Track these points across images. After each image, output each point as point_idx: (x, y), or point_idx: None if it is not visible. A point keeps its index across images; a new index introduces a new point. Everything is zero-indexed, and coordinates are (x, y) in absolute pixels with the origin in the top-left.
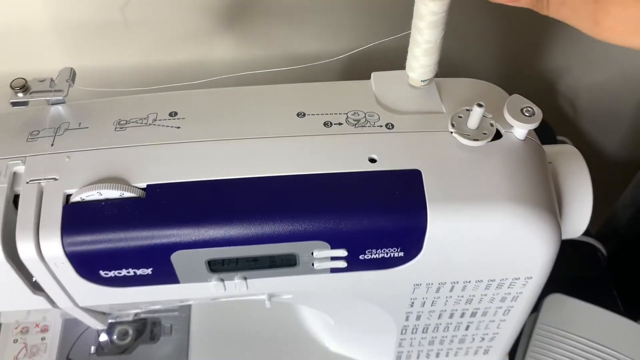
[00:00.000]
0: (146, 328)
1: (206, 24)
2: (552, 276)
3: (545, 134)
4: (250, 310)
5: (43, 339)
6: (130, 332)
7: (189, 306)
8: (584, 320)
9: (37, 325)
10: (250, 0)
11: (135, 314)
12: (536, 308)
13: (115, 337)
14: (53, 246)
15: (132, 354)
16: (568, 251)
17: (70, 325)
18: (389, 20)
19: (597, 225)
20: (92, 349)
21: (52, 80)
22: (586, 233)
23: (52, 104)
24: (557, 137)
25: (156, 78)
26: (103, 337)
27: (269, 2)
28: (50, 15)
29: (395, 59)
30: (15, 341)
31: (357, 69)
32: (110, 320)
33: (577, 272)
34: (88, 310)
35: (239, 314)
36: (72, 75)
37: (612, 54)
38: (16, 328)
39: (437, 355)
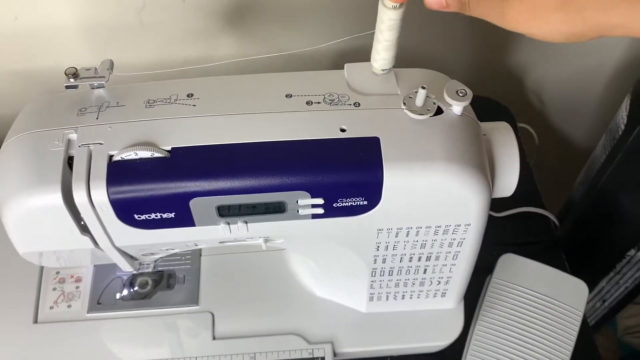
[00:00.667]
0: (163, 278)
1: (211, 25)
2: (510, 241)
3: (507, 120)
4: (249, 264)
5: (77, 287)
6: (150, 282)
7: (199, 260)
8: (531, 275)
9: (72, 276)
10: (250, 6)
11: (154, 267)
12: (493, 270)
13: (137, 286)
14: (100, 194)
15: (151, 299)
16: (525, 221)
17: (99, 277)
18: (363, 23)
19: (560, 203)
20: (118, 295)
21: (95, 69)
22: (541, 206)
23: (95, 88)
24: (517, 124)
25: (167, 73)
26: (127, 287)
27: (266, 7)
28: (75, 18)
29: (364, 55)
30: (54, 289)
31: (335, 61)
32: (133, 272)
33: (532, 239)
34: (121, 252)
35: (240, 267)
36: (111, 65)
37: (572, 52)
38: (54, 278)
39: (403, 297)
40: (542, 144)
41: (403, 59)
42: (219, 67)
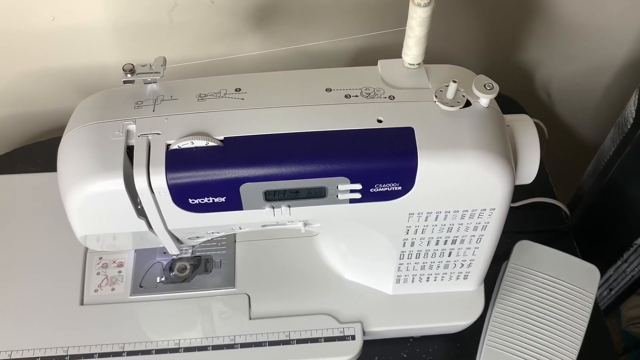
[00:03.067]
0: (201, 263)
1: (237, 25)
2: (524, 229)
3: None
4: (282, 249)
5: (120, 272)
6: (188, 266)
7: (234, 245)
8: (545, 260)
9: (114, 262)
10: (273, 6)
11: (192, 252)
12: (508, 256)
13: (176, 270)
14: (159, 179)
15: (190, 282)
16: (539, 211)
17: (140, 262)
18: (387, 20)
19: (571, 193)
20: (158, 279)
21: (150, 65)
22: (553, 197)
23: (148, 83)
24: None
25: (195, 70)
26: (166, 271)
27: (289, 8)
28: (109, 18)
29: (393, 52)
30: (98, 274)
31: (365, 58)
32: (172, 257)
33: (545, 227)
34: (171, 235)
35: (273, 252)
36: (164, 61)
37: (581, 49)
38: (98, 264)
39: (428, 279)
40: (551, 137)
41: None
42: (244, 63)
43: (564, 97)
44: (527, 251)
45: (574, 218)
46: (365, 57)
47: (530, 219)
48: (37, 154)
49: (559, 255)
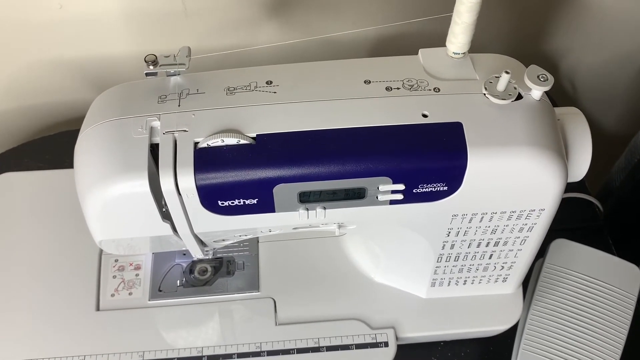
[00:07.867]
0: (222, 265)
1: (253, 12)
2: (558, 227)
3: None
4: (307, 250)
5: (137, 275)
6: (209, 268)
7: (257, 246)
8: (583, 259)
9: (131, 264)
10: None
11: (213, 253)
12: (543, 254)
13: (196, 273)
14: (187, 180)
15: (212, 286)
16: (571, 208)
17: (158, 264)
18: (413, 7)
19: (597, 187)
20: (178, 282)
21: (174, 56)
22: (585, 192)
23: (171, 75)
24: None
25: (213, 61)
26: (186, 274)
27: None
28: (119, 6)
29: (420, 42)
30: (114, 277)
31: (375, 48)
32: (192, 259)
33: (579, 224)
34: (196, 238)
35: (297, 254)
36: (189, 52)
37: (607, 39)
38: (113, 266)
39: (465, 282)
40: None
41: (441, 43)
42: (261, 52)
43: (588, 88)
44: (564, 250)
45: (604, 213)
46: (392, 45)
47: (561, 215)
48: (45, 149)
49: (596, 254)
